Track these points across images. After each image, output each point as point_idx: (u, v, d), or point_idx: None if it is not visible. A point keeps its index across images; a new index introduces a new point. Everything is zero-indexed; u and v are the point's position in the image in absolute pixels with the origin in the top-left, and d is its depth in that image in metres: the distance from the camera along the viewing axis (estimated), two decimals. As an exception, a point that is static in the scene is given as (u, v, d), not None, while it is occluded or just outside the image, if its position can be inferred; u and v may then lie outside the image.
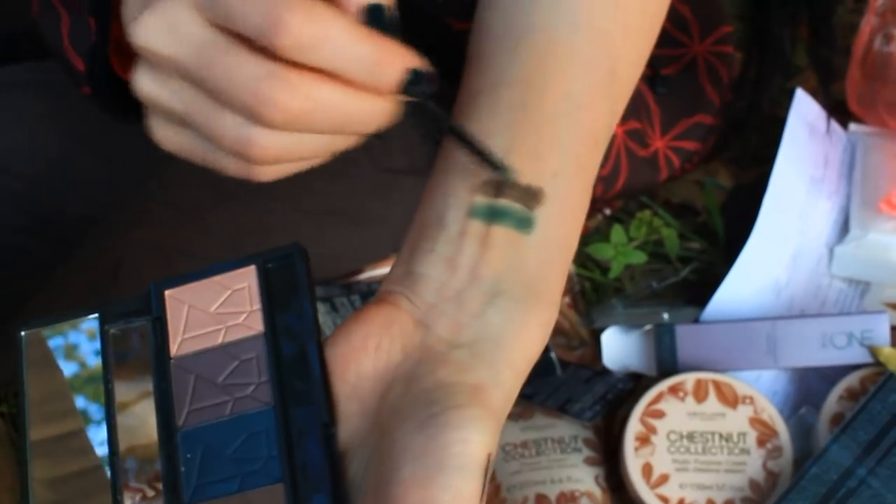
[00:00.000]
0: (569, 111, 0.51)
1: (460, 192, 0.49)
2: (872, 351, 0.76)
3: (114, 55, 0.55)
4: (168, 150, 0.48)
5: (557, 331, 0.84)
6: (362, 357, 0.47)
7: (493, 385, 0.46)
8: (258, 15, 0.42)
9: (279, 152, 0.45)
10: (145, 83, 0.46)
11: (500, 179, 0.49)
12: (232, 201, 0.75)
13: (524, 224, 0.49)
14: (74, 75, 0.62)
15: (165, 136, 0.48)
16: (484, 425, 0.44)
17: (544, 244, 0.49)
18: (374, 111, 0.45)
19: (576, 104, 0.51)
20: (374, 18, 0.44)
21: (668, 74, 0.85)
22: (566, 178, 0.50)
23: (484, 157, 0.48)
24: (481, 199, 0.49)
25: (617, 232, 0.87)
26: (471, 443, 0.44)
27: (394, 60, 0.44)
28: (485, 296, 0.47)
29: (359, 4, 0.44)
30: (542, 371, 0.79)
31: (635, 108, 0.84)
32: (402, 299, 0.48)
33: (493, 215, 0.49)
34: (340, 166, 0.78)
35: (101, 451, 0.49)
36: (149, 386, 0.49)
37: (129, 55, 0.50)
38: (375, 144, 0.78)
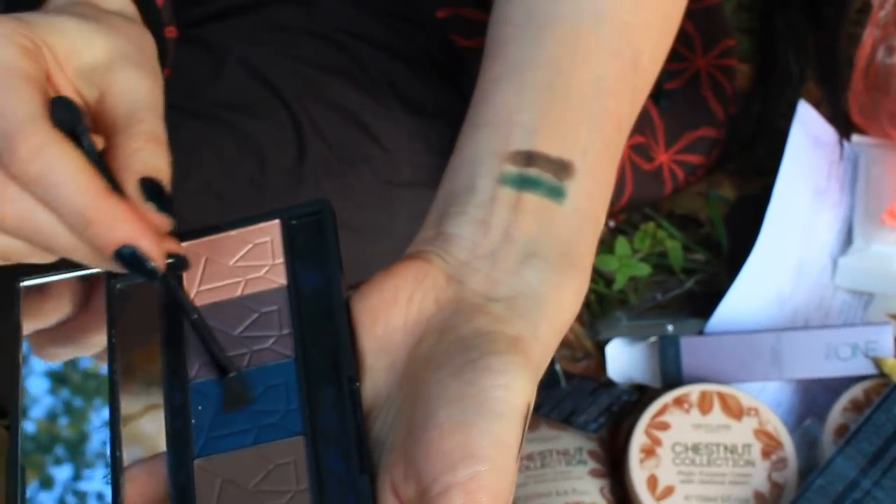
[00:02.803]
0: (596, 93, 0.51)
1: (489, 161, 0.49)
2: (876, 362, 0.76)
3: None
4: None
5: (562, 343, 0.84)
6: (393, 310, 0.46)
7: (532, 338, 0.45)
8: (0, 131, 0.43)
9: None
10: None
11: (530, 151, 0.48)
12: (235, 212, 0.75)
13: (555, 193, 0.48)
14: None
15: None
16: (524, 372, 0.43)
17: (575, 214, 0.48)
18: (85, 257, 0.45)
19: (602, 88, 0.51)
20: (150, 191, 0.44)
21: (671, 88, 0.86)
22: (595, 154, 0.50)
23: (217, 355, 0.47)
24: (511, 168, 0.48)
25: (621, 244, 0.87)
26: (511, 389, 0.42)
27: (111, 230, 0.43)
28: (519, 256, 0.47)
29: (137, 173, 0.44)
30: (546, 383, 0.79)
31: (639, 123, 0.84)
32: (433, 256, 0.47)
33: (524, 183, 0.48)
34: (345, 180, 0.78)
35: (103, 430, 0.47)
36: (155, 399, 0.47)
37: None
38: (379, 157, 0.79)
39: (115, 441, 0.46)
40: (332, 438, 0.44)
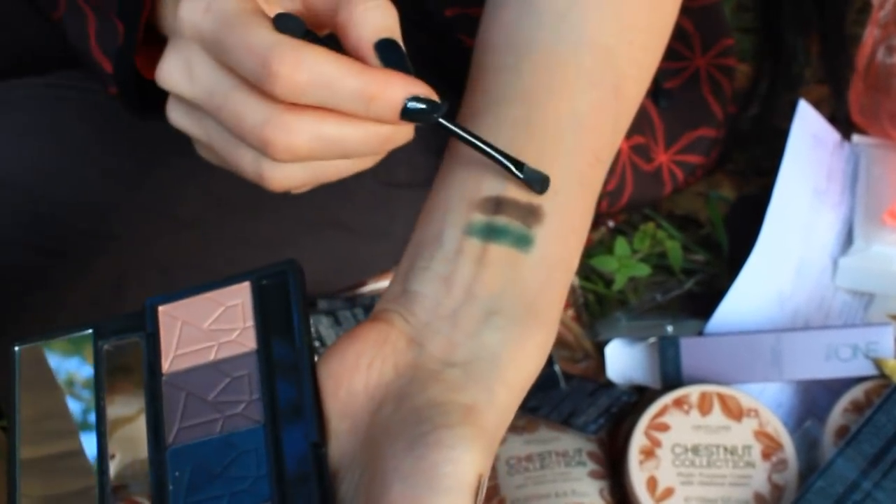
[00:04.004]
0: (572, 128, 0.51)
1: (458, 209, 0.49)
2: (877, 363, 0.76)
3: (140, 54, 0.56)
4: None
5: (561, 343, 0.84)
6: (354, 375, 0.47)
7: (487, 405, 0.45)
8: (253, 64, 0.45)
9: (292, 182, 0.48)
10: (175, 115, 0.50)
11: (499, 197, 0.49)
12: (235, 215, 0.75)
13: (522, 242, 0.48)
14: (101, 76, 0.63)
15: (202, 154, 0.51)
16: (475, 445, 0.44)
17: (543, 263, 0.49)
18: (381, 137, 0.46)
19: (579, 121, 0.51)
20: (387, 52, 0.46)
21: (670, 88, 0.85)
22: (567, 195, 0.50)
23: (514, 167, 0.49)
24: (479, 217, 0.49)
25: (620, 244, 0.87)
26: (461, 463, 0.43)
27: (388, 91, 0.45)
28: (480, 314, 0.47)
29: (371, 41, 0.46)
30: (545, 384, 0.79)
31: (639, 123, 0.84)
32: (396, 317, 0.48)
33: (490, 233, 0.48)
34: (343, 181, 0.78)
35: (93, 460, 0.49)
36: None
37: (154, 55, 0.51)
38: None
39: (104, 499, 0.47)
40: None
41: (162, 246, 0.73)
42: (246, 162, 0.48)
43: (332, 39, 0.48)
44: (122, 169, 0.72)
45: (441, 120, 0.47)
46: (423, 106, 0.46)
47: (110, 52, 0.61)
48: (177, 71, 0.47)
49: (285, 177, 0.47)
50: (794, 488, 0.73)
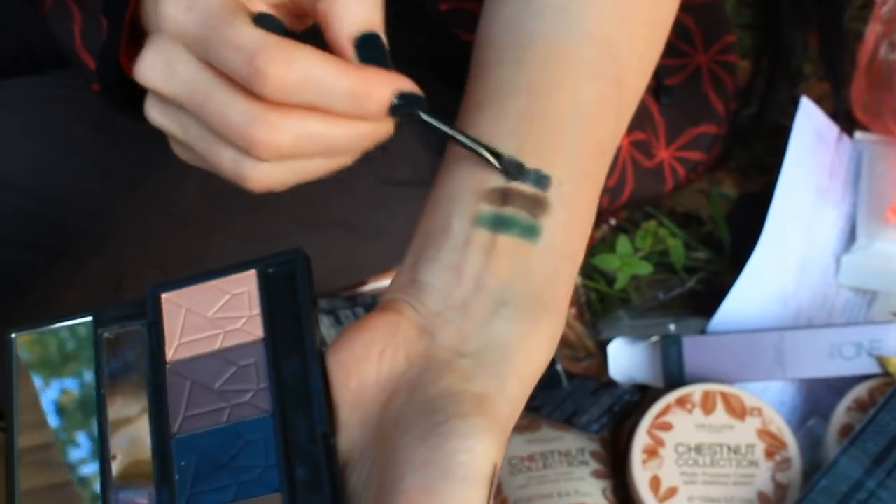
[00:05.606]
0: (575, 119, 0.50)
1: (465, 200, 0.49)
2: (881, 361, 0.76)
3: (125, 52, 0.56)
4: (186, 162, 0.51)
5: (563, 342, 0.84)
6: (365, 365, 0.46)
7: (499, 395, 0.45)
8: (240, 63, 0.44)
9: (274, 181, 0.47)
10: (153, 113, 0.49)
11: (506, 188, 0.49)
12: (234, 214, 0.75)
13: (530, 232, 0.48)
14: (85, 73, 0.63)
15: (179, 154, 0.50)
16: (489, 435, 0.43)
17: (551, 253, 0.48)
18: (364, 134, 0.46)
19: (582, 112, 0.51)
20: (366, 47, 0.46)
21: (672, 84, 0.85)
22: (572, 186, 0.50)
23: (492, 157, 0.48)
24: (486, 208, 0.49)
25: (622, 243, 0.87)
26: (476, 452, 0.43)
27: (377, 89, 0.45)
28: (491, 305, 0.47)
29: (351, 36, 0.45)
30: (548, 383, 0.79)
31: (640, 119, 0.84)
32: (406, 307, 0.48)
33: (498, 224, 0.48)
34: (343, 179, 0.78)
35: (93, 462, 0.48)
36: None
37: (138, 53, 0.51)
38: (378, 156, 0.78)
39: (107, 491, 0.47)
40: (309, 495, 0.45)
41: (160, 244, 0.72)
42: (226, 161, 0.47)
43: (309, 34, 0.47)
44: (119, 168, 0.72)
45: (421, 114, 0.47)
46: (408, 101, 0.46)
47: (94, 49, 0.61)
48: (156, 68, 0.47)
49: (265, 176, 0.47)
50: (798, 487, 0.73)
